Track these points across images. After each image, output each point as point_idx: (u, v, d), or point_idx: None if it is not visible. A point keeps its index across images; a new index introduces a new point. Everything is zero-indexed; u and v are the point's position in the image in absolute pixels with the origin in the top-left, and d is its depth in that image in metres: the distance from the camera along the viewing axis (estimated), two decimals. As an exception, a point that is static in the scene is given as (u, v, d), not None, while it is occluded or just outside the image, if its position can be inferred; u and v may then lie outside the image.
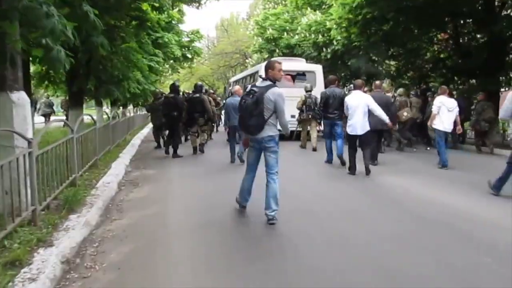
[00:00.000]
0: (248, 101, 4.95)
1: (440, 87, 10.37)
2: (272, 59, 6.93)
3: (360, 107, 8.07)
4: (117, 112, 17.82)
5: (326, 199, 6.36)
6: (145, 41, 15.25)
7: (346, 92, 14.20)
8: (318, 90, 12.37)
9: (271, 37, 24.04)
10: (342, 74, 23.32)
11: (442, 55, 18.21)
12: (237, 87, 10.96)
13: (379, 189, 7.05)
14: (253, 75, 17.38)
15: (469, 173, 8.60)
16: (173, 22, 23.58)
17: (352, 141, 8.28)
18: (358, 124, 8.08)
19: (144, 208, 5.81)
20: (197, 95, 11.42)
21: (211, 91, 21.20)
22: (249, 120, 4.97)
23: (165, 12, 13.75)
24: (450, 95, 11.43)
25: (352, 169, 8.25)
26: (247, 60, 35.64)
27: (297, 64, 16.41)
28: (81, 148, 7.09)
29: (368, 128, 8.17)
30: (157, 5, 13.10)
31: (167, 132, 11.92)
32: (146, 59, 16.82)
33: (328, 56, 20.16)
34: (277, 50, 23.99)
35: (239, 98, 9.00)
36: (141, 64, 15.01)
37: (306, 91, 12.39)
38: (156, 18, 14.40)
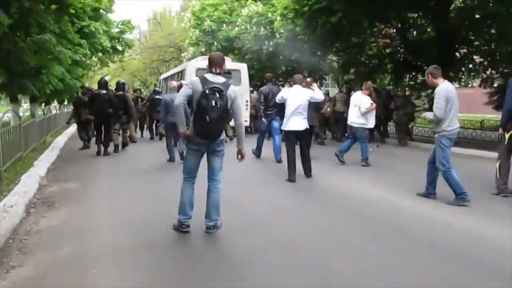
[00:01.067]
0: (220, 102, 4.19)
1: (365, 82, 10.02)
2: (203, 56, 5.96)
3: (301, 102, 7.55)
4: (41, 109, 15.74)
5: (273, 207, 5.76)
6: (67, 29, 13.27)
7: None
8: (243, 88, 14.28)
9: (209, 29, 22.56)
10: (283, 69, 22.40)
11: (387, 50, 17.70)
12: (174, 83, 10.38)
13: (328, 192, 6.65)
14: (181, 73, 16.85)
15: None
16: (101, 10, 21.52)
17: (291, 139, 7.70)
18: (297, 120, 7.55)
19: (57, 245, 4.25)
20: (120, 92, 11.24)
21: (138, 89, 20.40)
22: (217, 125, 4.29)
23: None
24: (376, 92, 13.22)
25: (292, 175, 7.43)
26: (182, 54, 33.83)
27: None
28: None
29: (307, 125, 7.74)
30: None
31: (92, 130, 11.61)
32: (70, 51, 14.85)
33: (270, 49, 19.05)
34: (216, 43, 22.60)
35: (177, 94, 8.63)
36: (63, 56, 13.10)
37: None
38: (80, 2, 12.51)
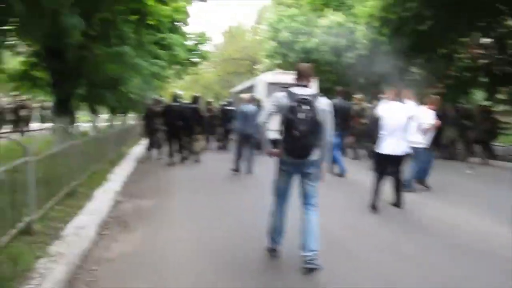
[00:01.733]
0: (309, 115, 3.85)
1: (430, 96, 8.74)
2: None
3: (401, 121, 6.30)
4: (118, 120, 15.85)
5: (372, 241, 4.96)
6: (146, 40, 13.16)
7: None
8: None
9: (286, 41, 21.95)
10: (362, 81, 21.32)
11: (480, 62, 16.13)
12: (247, 96, 10.48)
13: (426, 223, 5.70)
14: (251, 87, 16.80)
15: None
16: (176, 23, 21.65)
17: (383, 162, 6.43)
18: (394, 142, 6.29)
19: (130, 280, 3.68)
20: (194, 105, 11.72)
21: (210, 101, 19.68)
22: (308, 140, 3.89)
23: (170, 3, 11.59)
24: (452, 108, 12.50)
25: (376, 202, 6.34)
26: (255, 67, 33.55)
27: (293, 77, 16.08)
28: (45, 174, 5.01)
29: (405, 148, 6.40)
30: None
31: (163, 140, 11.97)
32: (147, 63, 14.82)
33: (351, 60, 18.07)
34: (292, 55, 21.93)
35: (252, 106, 9.60)
36: (140, 68, 13.01)
37: None
38: (159, 10, 12.34)
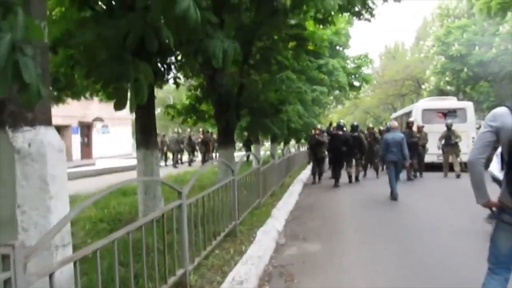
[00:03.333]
0: None
1: None
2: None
3: None
4: (280, 149, 15.57)
5: None
6: (306, 64, 12.58)
7: None
8: (469, 126, 15.23)
9: (457, 55, 19.62)
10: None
11: None
12: (395, 123, 10.88)
13: None
14: (409, 114, 17.65)
15: None
16: (338, 47, 20.94)
17: None
18: None
19: None
20: (355, 133, 13.08)
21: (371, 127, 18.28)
22: None
23: (331, 24, 10.77)
24: None
25: None
26: (422, 86, 30.95)
27: (449, 103, 17.10)
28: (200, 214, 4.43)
29: None
30: (320, 16, 10.45)
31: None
32: (308, 90, 14.27)
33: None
34: (465, 69, 19.50)
35: (399, 133, 9.82)
36: (303, 94, 12.45)
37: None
38: (320, 35, 11.68)
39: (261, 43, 10.83)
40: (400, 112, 22.76)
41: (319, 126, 15.30)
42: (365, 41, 75.86)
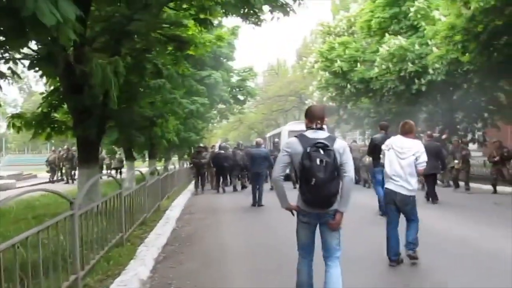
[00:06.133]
0: (326, 160, 3.34)
1: None
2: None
3: None
4: (156, 167, 13.88)
5: None
6: (185, 70, 11.16)
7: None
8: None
9: (339, 71, 19.75)
10: (434, 111, 18.80)
11: None
12: (260, 140, 12.48)
13: None
14: (279, 134, 20.04)
15: None
16: (221, 58, 19.97)
17: None
18: None
19: None
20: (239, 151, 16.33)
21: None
22: (328, 187, 3.37)
23: (213, 28, 9.56)
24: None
25: None
26: (306, 102, 31.36)
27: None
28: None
29: None
30: (202, 16, 9.24)
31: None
32: (186, 101, 12.93)
33: (423, 88, 15.60)
34: (349, 86, 19.74)
35: (263, 149, 12.00)
36: (178, 106, 11.12)
37: None
38: (201, 39, 10.38)
39: (135, 44, 9.35)
40: (272, 132, 26.41)
41: (201, 144, 17.84)
42: (249, 57, 77.43)
